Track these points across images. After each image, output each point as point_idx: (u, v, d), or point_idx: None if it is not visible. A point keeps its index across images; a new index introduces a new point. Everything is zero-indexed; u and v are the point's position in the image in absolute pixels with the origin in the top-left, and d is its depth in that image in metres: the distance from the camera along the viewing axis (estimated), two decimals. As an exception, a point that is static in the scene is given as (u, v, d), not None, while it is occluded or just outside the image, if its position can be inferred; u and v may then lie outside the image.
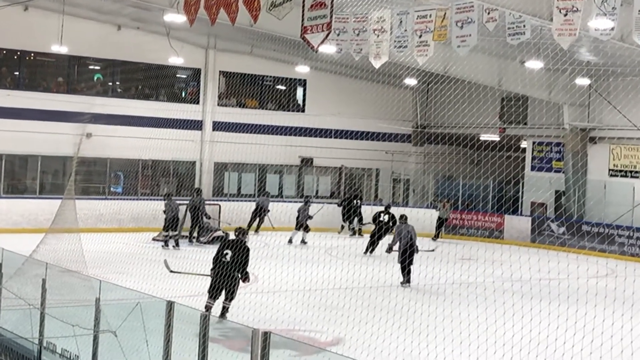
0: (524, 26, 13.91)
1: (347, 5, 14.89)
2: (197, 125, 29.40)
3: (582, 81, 25.70)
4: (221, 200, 27.37)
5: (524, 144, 30.78)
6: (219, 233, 24.31)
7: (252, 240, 16.44)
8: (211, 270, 13.65)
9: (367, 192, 32.76)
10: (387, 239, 21.22)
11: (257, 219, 26.87)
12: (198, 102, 29.89)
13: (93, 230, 23.10)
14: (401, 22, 14.68)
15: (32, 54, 27.38)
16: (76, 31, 25.78)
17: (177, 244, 22.78)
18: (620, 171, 27.25)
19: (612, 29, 11.98)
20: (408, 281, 17.98)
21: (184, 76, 30.71)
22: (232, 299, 13.48)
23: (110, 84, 29.47)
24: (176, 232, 22.94)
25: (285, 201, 29.20)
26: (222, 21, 13.01)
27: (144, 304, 9.10)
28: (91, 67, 28.83)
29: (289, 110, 31.65)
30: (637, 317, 11.74)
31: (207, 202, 25.19)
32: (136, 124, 27.53)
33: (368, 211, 26.95)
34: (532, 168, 30.24)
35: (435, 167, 32.17)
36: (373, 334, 11.94)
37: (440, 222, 28.60)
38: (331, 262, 20.18)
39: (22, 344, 10.77)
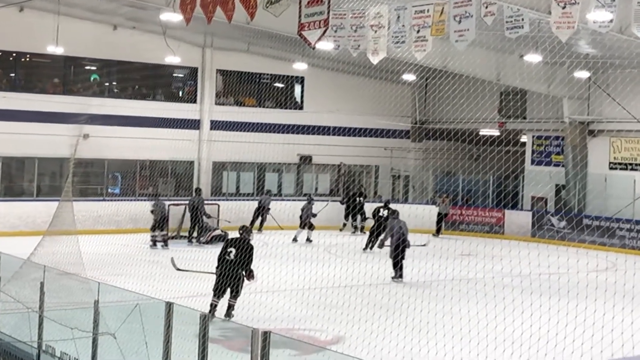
0: (522, 20, 13.89)
1: (344, 1, 14.91)
2: (194, 124, 29.39)
3: (581, 74, 25.69)
4: (220, 200, 27.37)
5: (523, 139, 30.77)
6: (218, 232, 24.35)
7: (253, 239, 16.42)
8: (216, 268, 13.76)
9: (367, 189, 32.74)
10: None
11: (260, 218, 26.98)
12: (195, 101, 29.87)
13: (91, 232, 23.10)
14: (399, 17, 14.66)
15: (28, 55, 27.38)
16: (72, 31, 25.77)
17: (165, 244, 22.81)
18: (621, 164, 27.25)
19: (611, 21, 11.98)
20: (400, 276, 18.14)
21: (181, 75, 30.69)
22: (237, 296, 13.59)
23: (107, 84, 29.45)
24: (164, 232, 22.95)
25: (284, 199, 29.20)
26: (218, 19, 13.02)
27: (143, 306, 9.12)
28: (87, 67, 28.82)
29: (287, 108, 31.64)
30: (638, 311, 11.75)
31: (206, 201, 25.20)
32: (133, 124, 27.54)
33: (368, 208, 27.02)
34: (532, 162, 30.24)
35: (434, 162, 32.17)
36: (373, 332, 11.97)
37: (440, 218, 28.61)
38: (330, 260, 20.20)
39: (21, 348, 10.79)
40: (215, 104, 30.11)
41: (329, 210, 28.06)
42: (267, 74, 31.36)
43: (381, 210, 24.41)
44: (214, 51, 29.80)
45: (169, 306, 8.46)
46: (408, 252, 18.52)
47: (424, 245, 22.45)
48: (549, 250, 22.47)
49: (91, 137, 26.60)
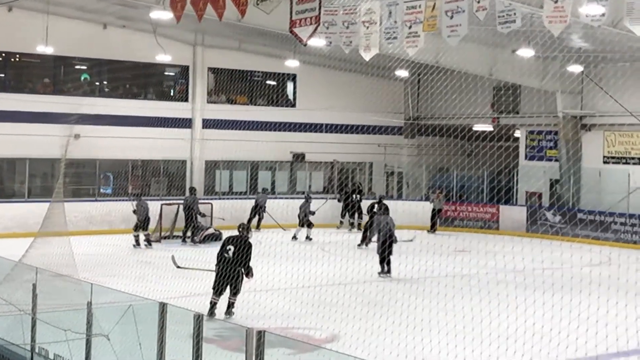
0: (515, 14, 13.90)
1: (336, -3, 14.92)
2: (186, 123, 29.39)
3: (574, 68, 25.76)
4: (213, 199, 27.37)
5: (517, 134, 30.84)
6: (211, 231, 24.36)
7: (252, 237, 16.46)
8: (215, 266, 13.86)
9: (362, 185, 32.75)
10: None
11: (257, 216, 27.05)
12: (187, 100, 29.86)
13: (83, 232, 23.14)
14: (390, 13, 14.64)
15: (17, 55, 27.35)
16: (61, 31, 25.73)
17: (149, 244, 22.83)
18: (615, 158, 27.34)
19: (603, 14, 12.02)
20: (389, 271, 18.26)
21: (172, 74, 30.67)
22: (237, 294, 13.69)
23: (98, 83, 29.43)
24: (147, 232, 22.96)
25: (277, 198, 29.21)
26: (209, 17, 13.03)
27: (136, 306, 9.14)
28: (77, 67, 28.78)
29: (279, 106, 31.67)
30: (632, 305, 11.82)
31: (199, 200, 25.19)
32: (125, 124, 27.52)
33: (364, 205, 27.06)
34: (526, 157, 30.31)
35: (428, 159, 32.24)
36: (368, 329, 12.02)
37: (435, 214, 28.59)
38: (324, 258, 20.22)
39: (14, 351, 10.79)
40: (207, 102, 30.10)
41: (326, 208, 28.10)
42: (259, 72, 31.35)
43: (376, 206, 24.48)
44: (205, 49, 29.78)
45: (163, 307, 8.48)
46: (396, 247, 18.60)
47: (411, 240, 22.60)
48: (543, 245, 22.66)
49: (82, 137, 26.51)
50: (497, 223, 28.78)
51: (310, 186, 31.59)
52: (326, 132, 31.56)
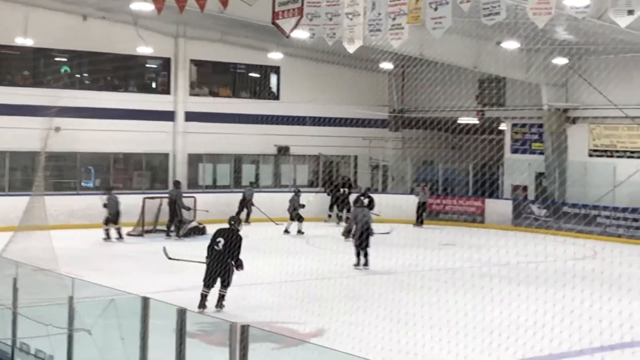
0: (499, 6, 13.91)
1: (319, -11, 14.91)
2: (168, 116, 29.33)
3: (560, 60, 25.91)
4: (196, 193, 27.36)
5: (502, 126, 30.98)
6: (194, 224, 24.35)
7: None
8: (206, 258, 13.94)
9: (350, 179, 32.79)
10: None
11: (245, 210, 27.09)
12: (169, 93, 29.79)
13: (65, 226, 23.08)
14: (374, 5, 14.64)
15: (-4, 48, 27.21)
16: (41, 23, 25.61)
17: (120, 237, 22.84)
18: (600, 151, 27.54)
19: (588, 6, 12.07)
20: (366, 264, 18.40)
21: (154, 66, 30.58)
22: (227, 286, 13.77)
23: (78, 76, 29.31)
24: (118, 226, 22.95)
25: (262, 191, 29.18)
26: (191, 8, 13.00)
27: (118, 301, 9.15)
28: (57, 59, 28.65)
29: (263, 98, 31.64)
30: (615, 299, 11.97)
31: (183, 194, 25.16)
32: (106, 117, 27.46)
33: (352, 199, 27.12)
34: (512, 150, 30.46)
35: (412, 152, 32.35)
36: (352, 323, 12.08)
37: (419, 207, 28.64)
38: (308, 252, 20.30)
39: (-5, 346, 10.78)
40: (190, 95, 30.05)
41: (314, 201, 28.10)
42: (242, 64, 31.33)
43: (361, 199, 24.59)
44: (187, 41, 29.71)
45: (145, 301, 8.49)
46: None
47: (388, 233, 22.77)
48: (529, 238, 22.81)
49: (63, 130, 26.44)
50: (483, 216, 28.93)
51: (295, 180, 31.63)
52: (311, 125, 31.58)
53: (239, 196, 27.75)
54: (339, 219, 28.67)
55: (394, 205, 28.05)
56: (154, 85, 30.79)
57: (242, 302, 14.07)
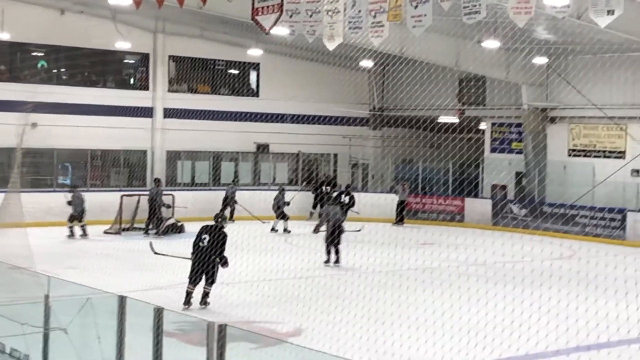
0: (480, 5, 14.02)
1: (299, -14, 14.96)
2: (147, 112, 29.28)
3: (540, 60, 26.13)
4: (175, 190, 27.34)
5: (482, 126, 31.17)
6: (172, 221, 24.32)
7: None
8: (191, 254, 14.02)
9: (331, 177, 32.86)
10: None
11: (229, 208, 27.11)
12: (147, 89, 29.75)
13: (41, 224, 23.01)
14: (355, 2, 14.74)
15: (-28, 42, 27.05)
16: (18, 16, 25.49)
17: (84, 234, 22.84)
18: (580, 151, 27.79)
19: (568, 6, 12.22)
20: (337, 261, 18.59)
21: (132, 61, 30.52)
22: (212, 283, 13.89)
23: (55, 71, 29.19)
24: (83, 223, 22.93)
25: (241, 189, 29.18)
26: (170, 3, 13.05)
27: (95, 300, 9.18)
28: (34, 53, 28.52)
29: (242, 95, 31.65)
30: (592, 298, 12.15)
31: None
32: (83, 113, 27.37)
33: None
34: (492, 150, 30.67)
35: (390, 150, 32.47)
36: (330, 322, 12.16)
37: (400, 205, 28.69)
38: (286, 251, 20.37)
39: (-31, 344, 10.76)
40: (168, 91, 30.02)
41: (298, 199, 28.14)
42: (222, 60, 31.32)
43: (342, 196, 24.81)
44: (166, 36, 29.67)
45: (122, 300, 8.53)
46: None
47: (358, 230, 22.95)
48: (509, 238, 22.97)
49: (39, 126, 26.30)
50: (462, 215, 29.10)
51: (274, 178, 31.67)
52: (290, 122, 31.65)
53: (218, 194, 27.75)
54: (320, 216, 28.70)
55: (372, 204, 28.17)
56: (132, 81, 30.73)
57: (220, 301, 14.12)
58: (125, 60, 30.34)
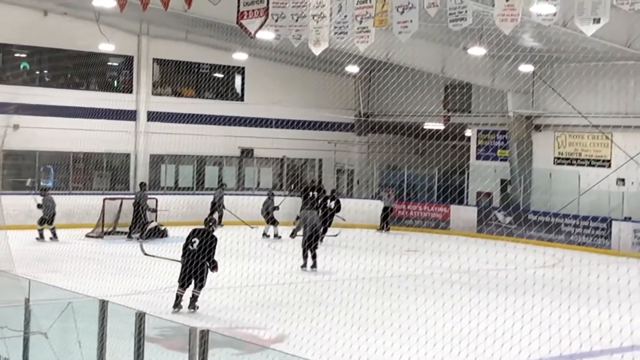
0: (466, 12, 14.12)
1: (285, -10, 15.02)
2: (130, 115, 29.26)
3: (526, 68, 26.29)
4: (158, 194, 27.29)
5: (468, 133, 31.31)
6: (153, 224, 24.27)
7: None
8: (182, 257, 14.12)
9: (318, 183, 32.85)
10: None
11: (217, 212, 27.07)
12: (131, 92, 29.72)
13: (22, 227, 22.92)
14: (341, 7, 14.78)
15: (-47, 42, 26.96)
16: (0, 17, 25.38)
17: (54, 236, 22.79)
18: (566, 159, 27.96)
19: (554, 14, 12.31)
20: (314, 266, 18.72)
21: (116, 64, 30.50)
22: (201, 287, 13.97)
23: (38, 72, 29.14)
24: (53, 226, 22.88)
25: (227, 193, 29.13)
26: (154, 6, 13.07)
27: (76, 304, 9.17)
28: (17, 54, 28.46)
29: (227, 99, 31.66)
30: (575, 307, 12.24)
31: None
32: (66, 115, 27.33)
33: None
34: (477, 157, 30.80)
35: (375, 156, 32.56)
36: (313, 329, 12.19)
37: (386, 212, 28.73)
38: (269, 256, 20.39)
39: (-52, 348, 10.72)
40: (152, 94, 30.01)
41: (284, 204, 28.11)
42: (206, 64, 31.32)
43: (328, 201, 24.91)
44: (150, 39, 29.67)
45: (103, 304, 8.53)
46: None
47: (336, 235, 23.03)
48: (491, 246, 23.08)
49: (21, 127, 26.32)
50: (448, 223, 29.19)
51: (259, 183, 31.68)
52: (275, 127, 31.68)
53: (201, 198, 27.74)
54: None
55: (357, 210, 28.23)
56: (115, 83, 30.69)
57: (203, 306, 14.12)
58: (109, 63, 30.32)
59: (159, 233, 23.93)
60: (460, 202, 29.22)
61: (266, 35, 15.73)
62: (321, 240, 24.11)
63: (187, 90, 31.21)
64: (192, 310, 13.82)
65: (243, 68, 31.78)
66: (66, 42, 27.59)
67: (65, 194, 26.29)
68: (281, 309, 13.95)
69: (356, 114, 34.10)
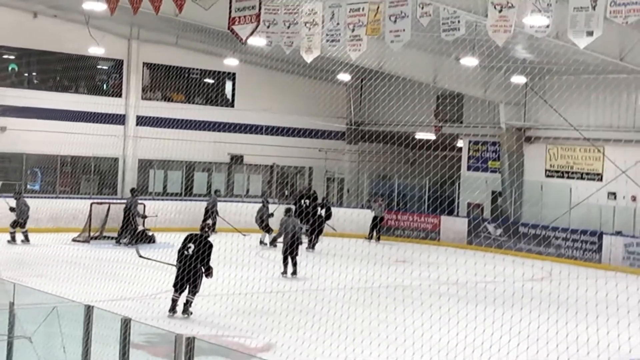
0: (459, 22, 14.28)
1: (277, -4, 15.10)
2: (119, 119, 29.24)
3: (518, 79, 26.39)
4: (146, 200, 27.27)
5: (459, 143, 31.39)
6: (140, 228, 24.25)
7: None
8: (177, 262, 14.31)
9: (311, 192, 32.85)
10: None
11: (210, 219, 27.02)
12: (121, 95, 29.72)
13: (8, 230, 22.86)
14: (333, 15, 14.86)
15: (-60, 43, 26.92)
16: (-12, 18, 25.40)
17: (26, 239, 22.75)
18: (557, 172, 28.06)
19: (547, 26, 12.42)
20: (294, 272, 19.05)
21: (106, 68, 30.49)
22: (195, 292, 14.12)
23: (26, 74, 29.10)
24: (25, 230, 22.84)
25: (220, 200, 29.06)
26: (145, 10, 13.11)
27: (61, 309, 9.18)
28: (5, 56, 28.42)
29: (217, 105, 31.69)
30: (562, 321, 12.33)
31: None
32: (54, 118, 27.29)
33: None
34: (468, 168, 30.88)
35: (366, 165, 32.62)
36: (299, 338, 12.22)
37: (375, 221, 28.73)
38: (256, 264, 20.41)
39: None
40: (142, 98, 30.00)
41: (279, 212, 28.06)
42: (197, 69, 31.36)
43: (318, 209, 24.98)
44: (140, 43, 29.68)
45: (89, 309, 8.55)
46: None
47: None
48: (481, 257, 23.18)
49: (8, 130, 26.28)
50: (438, 234, 29.24)
51: (248, 190, 31.68)
52: (266, 134, 31.71)
53: (189, 204, 27.75)
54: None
55: (347, 219, 28.26)
56: (105, 87, 30.68)
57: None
58: (99, 66, 30.31)
59: (146, 238, 23.90)
60: (451, 213, 29.26)
61: (258, 41, 15.81)
62: (313, 248, 24.28)
63: (177, 95, 31.22)
64: (186, 315, 13.96)
65: (234, 74, 31.82)
66: (56, 45, 27.58)
67: (52, 197, 26.26)
68: (268, 318, 13.99)
69: (347, 122, 34.17)
